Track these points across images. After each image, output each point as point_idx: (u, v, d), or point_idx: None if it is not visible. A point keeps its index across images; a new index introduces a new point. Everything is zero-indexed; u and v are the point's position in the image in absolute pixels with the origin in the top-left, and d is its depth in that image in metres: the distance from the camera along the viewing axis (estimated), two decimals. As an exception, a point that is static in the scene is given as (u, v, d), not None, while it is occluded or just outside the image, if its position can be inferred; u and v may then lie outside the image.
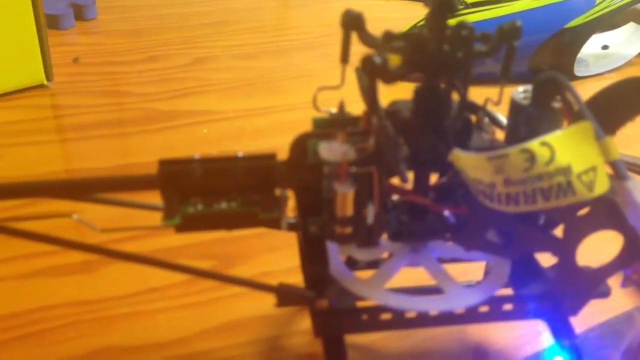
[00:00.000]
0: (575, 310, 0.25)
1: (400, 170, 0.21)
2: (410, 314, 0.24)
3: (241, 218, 0.22)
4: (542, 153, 0.20)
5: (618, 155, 0.21)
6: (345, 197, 0.21)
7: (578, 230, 0.23)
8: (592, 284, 0.24)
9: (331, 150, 0.21)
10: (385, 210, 0.23)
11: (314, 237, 0.23)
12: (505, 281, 0.24)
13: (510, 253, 0.24)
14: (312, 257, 0.23)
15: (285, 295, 0.23)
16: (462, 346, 0.30)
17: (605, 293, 0.25)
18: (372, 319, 0.24)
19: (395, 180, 0.22)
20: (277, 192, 0.23)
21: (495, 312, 0.24)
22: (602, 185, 0.20)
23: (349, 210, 0.22)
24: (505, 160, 0.20)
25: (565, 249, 0.23)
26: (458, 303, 0.23)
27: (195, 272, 0.23)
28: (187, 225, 0.22)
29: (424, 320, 0.24)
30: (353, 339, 0.31)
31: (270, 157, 0.22)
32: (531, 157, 0.20)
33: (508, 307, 0.24)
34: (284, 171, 0.22)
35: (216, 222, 0.22)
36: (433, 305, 0.23)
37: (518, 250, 0.24)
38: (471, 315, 0.24)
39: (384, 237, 0.24)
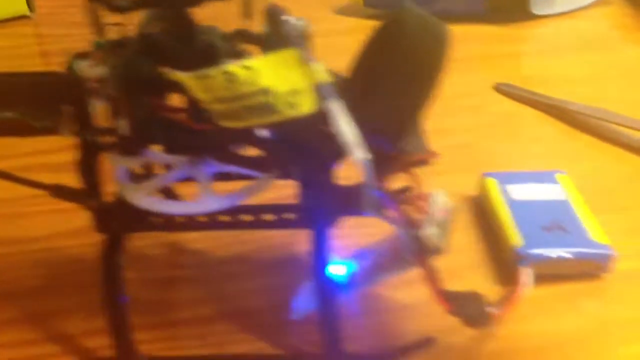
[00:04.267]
0: (331, 223, 0.27)
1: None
2: (180, 219, 0.27)
3: (22, 126, 0.26)
4: (242, 74, 0.22)
5: (323, 79, 0.22)
6: (102, 109, 0.25)
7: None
8: (348, 199, 0.26)
9: (88, 68, 0.24)
10: (149, 124, 0.26)
11: (89, 146, 0.26)
12: (258, 192, 0.26)
13: (264, 168, 0.26)
14: (86, 163, 0.26)
15: (61, 193, 0.27)
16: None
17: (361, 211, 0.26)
18: (144, 221, 0.27)
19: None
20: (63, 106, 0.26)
21: (259, 220, 0.27)
22: (306, 106, 0.22)
23: (107, 122, 0.25)
24: (210, 80, 0.22)
25: (315, 167, 0.25)
26: (201, 209, 0.26)
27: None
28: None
29: (191, 225, 0.27)
30: (184, 242, 0.35)
31: (52, 75, 0.26)
32: (232, 78, 0.22)
33: (269, 217, 0.27)
34: (61, 86, 0.26)
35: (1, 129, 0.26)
36: (179, 209, 0.26)
37: (270, 166, 0.26)
38: (238, 223, 0.27)
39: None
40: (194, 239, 0.36)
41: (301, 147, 0.25)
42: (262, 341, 0.30)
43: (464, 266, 0.34)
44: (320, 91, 0.22)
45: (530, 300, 0.31)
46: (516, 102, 0.48)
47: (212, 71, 0.22)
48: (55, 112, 0.26)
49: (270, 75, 0.22)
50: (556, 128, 0.45)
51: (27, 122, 0.26)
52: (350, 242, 0.29)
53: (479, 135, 0.44)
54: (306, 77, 0.22)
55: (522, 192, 0.35)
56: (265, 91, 0.22)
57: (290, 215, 0.27)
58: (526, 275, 0.30)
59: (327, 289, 0.27)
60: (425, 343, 0.29)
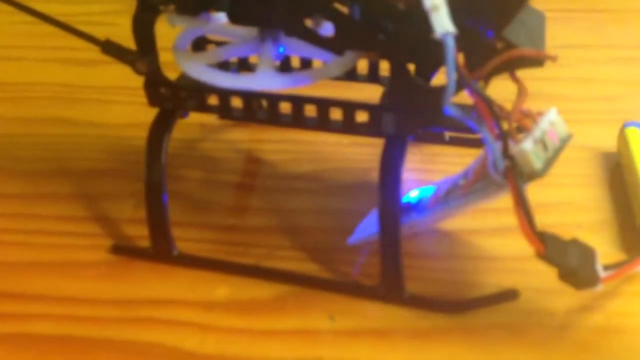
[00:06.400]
0: (411, 130, 0.22)
1: None
2: (236, 104, 0.23)
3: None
4: None
5: None
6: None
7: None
8: (432, 103, 0.21)
9: None
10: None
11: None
12: (323, 77, 0.22)
13: (337, 49, 0.22)
14: (141, 21, 0.23)
15: (111, 49, 0.24)
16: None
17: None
18: (196, 98, 0.24)
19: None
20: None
21: (324, 119, 0.23)
22: None
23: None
24: None
25: (392, 53, 0.20)
26: (259, 84, 0.22)
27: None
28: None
29: (244, 112, 0.23)
30: (259, 151, 0.32)
31: None
32: None
33: (337, 113, 0.23)
34: None
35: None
36: (232, 82, 0.22)
37: (340, 44, 0.21)
38: (300, 118, 0.23)
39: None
40: (271, 150, 0.32)
41: (379, 26, 0.20)
42: (311, 262, 0.26)
43: (583, 225, 0.27)
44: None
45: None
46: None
47: None
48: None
49: None
50: None
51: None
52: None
53: (629, 89, 0.36)
54: None
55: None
56: None
57: (362, 116, 0.22)
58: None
59: (392, 209, 0.22)
60: (505, 297, 0.23)
